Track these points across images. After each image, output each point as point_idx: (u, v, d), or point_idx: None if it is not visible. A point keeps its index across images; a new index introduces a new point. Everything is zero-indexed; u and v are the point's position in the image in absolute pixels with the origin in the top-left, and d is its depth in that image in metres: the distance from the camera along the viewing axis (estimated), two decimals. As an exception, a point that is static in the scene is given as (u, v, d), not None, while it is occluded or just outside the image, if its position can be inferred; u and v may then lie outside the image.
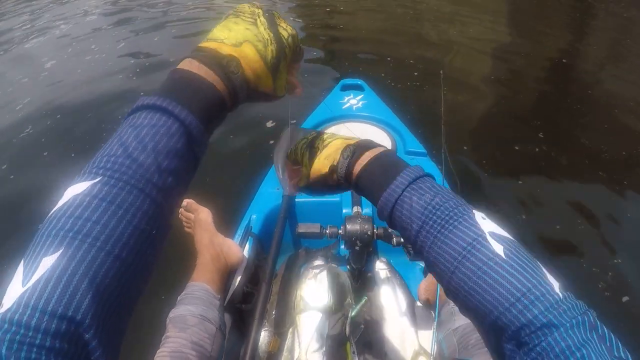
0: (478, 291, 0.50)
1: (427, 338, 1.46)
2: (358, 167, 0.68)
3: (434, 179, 0.64)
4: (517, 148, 3.48)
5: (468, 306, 0.53)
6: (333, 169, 0.71)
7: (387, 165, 0.65)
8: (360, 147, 0.70)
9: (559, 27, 8.29)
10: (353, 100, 2.50)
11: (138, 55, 5.63)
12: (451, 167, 1.12)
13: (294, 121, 2.12)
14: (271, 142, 3.44)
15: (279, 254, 1.59)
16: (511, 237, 0.55)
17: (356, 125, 2.29)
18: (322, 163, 0.73)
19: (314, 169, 0.75)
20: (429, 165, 2.04)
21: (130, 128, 0.51)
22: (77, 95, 4.64)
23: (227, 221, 1.88)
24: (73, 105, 4.46)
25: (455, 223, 0.55)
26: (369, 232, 1.35)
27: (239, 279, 1.58)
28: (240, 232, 1.75)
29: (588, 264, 2.54)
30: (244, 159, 3.31)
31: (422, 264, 1.81)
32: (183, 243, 1.72)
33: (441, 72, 1.69)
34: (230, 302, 1.52)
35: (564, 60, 6.28)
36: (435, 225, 0.56)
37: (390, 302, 1.56)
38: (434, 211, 0.57)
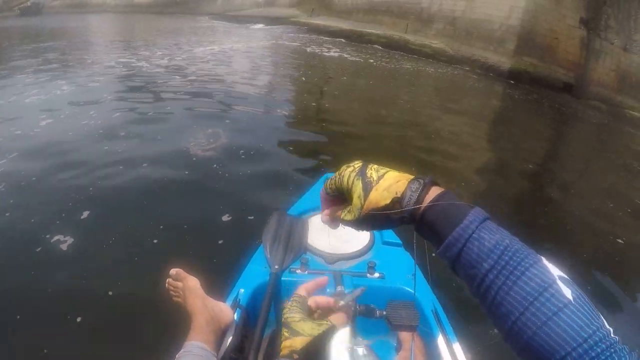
0: (547, 332, 0.53)
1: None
2: (428, 199, 0.66)
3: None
4: None
5: (530, 346, 0.55)
6: (396, 201, 0.67)
7: (455, 204, 0.65)
8: (427, 182, 0.68)
9: (539, 134, 8.99)
10: None
11: (128, 129, 5.88)
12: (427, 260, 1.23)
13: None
14: (251, 217, 3.70)
15: (265, 328, 1.73)
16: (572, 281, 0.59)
17: None
18: (381, 195, 0.69)
19: (370, 201, 0.69)
20: (404, 255, 2.27)
21: None
22: (60, 157, 4.85)
23: (213, 289, 1.95)
24: (52, 164, 4.68)
25: (527, 265, 0.58)
26: (351, 309, 1.44)
27: (228, 341, 1.67)
28: (229, 302, 1.88)
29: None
30: (229, 235, 3.50)
31: (394, 342, 1.97)
32: (174, 313, 1.82)
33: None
34: None
35: (529, 165, 6.88)
36: (508, 266, 0.58)
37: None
38: (505, 252, 0.59)
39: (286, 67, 12.90)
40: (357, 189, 0.71)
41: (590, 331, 0.53)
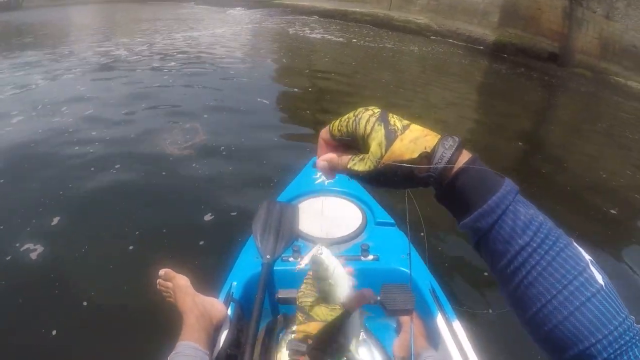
0: (578, 318, 0.51)
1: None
2: (460, 162, 0.58)
3: None
4: None
5: (556, 333, 0.52)
6: (425, 157, 0.58)
7: (489, 170, 0.58)
8: (460, 141, 0.59)
9: (528, 106, 9.03)
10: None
11: (100, 127, 5.69)
12: (424, 237, 1.19)
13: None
14: (234, 214, 3.61)
15: (260, 319, 1.70)
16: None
17: (328, 200, 2.49)
18: (407, 147, 0.58)
19: (393, 151, 0.59)
20: (398, 235, 2.24)
21: None
22: (29, 159, 4.70)
23: (205, 287, 1.92)
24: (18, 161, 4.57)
25: (562, 246, 0.54)
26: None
27: (222, 339, 1.65)
28: (222, 297, 1.84)
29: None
30: (213, 232, 3.44)
31: (394, 324, 1.96)
32: (167, 312, 1.78)
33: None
34: None
35: (518, 139, 6.88)
36: (544, 245, 0.54)
37: (367, 362, 1.66)
38: (540, 228, 0.54)
39: (268, 51, 12.70)
40: (378, 136, 0.60)
41: (621, 319, 0.51)
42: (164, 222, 3.53)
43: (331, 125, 0.67)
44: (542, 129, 8.00)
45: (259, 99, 7.27)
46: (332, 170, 0.68)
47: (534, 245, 0.53)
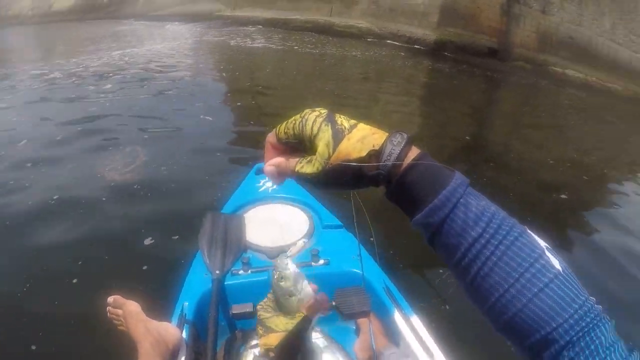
0: (538, 304, 0.51)
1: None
2: (409, 158, 0.57)
3: None
4: None
5: (516, 321, 0.52)
6: (373, 155, 0.57)
7: (438, 165, 0.57)
8: (409, 137, 0.58)
9: (472, 102, 9.21)
10: (268, 183, 2.66)
11: (35, 156, 5.39)
12: (373, 236, 1.17)
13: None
14: (179, 230, 3.50)
15: (216, 338, 1.64)
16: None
17: (274, 207, 2.44)
18: (354, 146, 0.57)
19: (340, 151, 0.57)
20: (347, 237, 2.21)
21: None
22: None
23: (157, 310, 1.86)
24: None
25: (516, 234, 0.54)
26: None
27: None
28: (174, 320, 1.76)
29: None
30: (160, 248, 3.34)
31: (353, 326, 1.94)
32: (120, 342, 1.69)
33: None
34: None
35: (465, 135, 6.99)
36: (497, 235, 0.53)
37: (332, 368, 1.62)
38: (493, 219, 0.54)
39: (208, 65, 12.52)
40: (325, 136, 0.58)
41: (580, 302, 0.51)
42: (107, 250, 3.37)
43: (277, 129, 0.65)
44: (487, 123, 8.22)
45: (200, 116, 7.14)
46: (280, 174, 0.65)
47: (487, 236, 0.53)
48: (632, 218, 4.58)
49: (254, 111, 7.74)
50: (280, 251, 2.07)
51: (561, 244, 3.62)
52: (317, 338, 1.78)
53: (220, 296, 1.86)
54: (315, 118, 0.60)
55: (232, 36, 17.99)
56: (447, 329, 2.15)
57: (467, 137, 6.78)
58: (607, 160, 6.29)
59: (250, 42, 16.52)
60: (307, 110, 0.62)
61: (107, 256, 3.30)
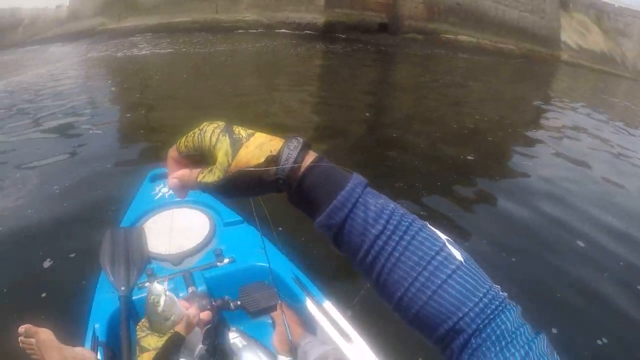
0: (443, 295, 0.52)
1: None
2: (307, 162, 0.58)
3: None
4: None
5: (424, 313, 0.54)
6: (271, 160, 0.58)
7: (335, 167, 0.59)
8: (305, 142, 0.60)
9: (370, 79, 9.30)
10: (164, 189, 2.61)
11: None
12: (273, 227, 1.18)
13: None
14: (78, 251, 3.37)
15: (132, 357, 1.59)
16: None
17: (174, 212, 2.40)
18: (252, 153, 0.59)
19: (239, 159, 0.59)
20: (249, 231, 2.21)
21: None
22: None
23: (70, 335, 1.78)
24: None
25: (416, 229, 0.55)
26: (207, 307, 1.42)
27: None
28: (87, 343, 1.70)
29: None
30: (61, 271, 3.20)
31: (269, 320, 1.95)
32: None
33: None
34: None
35: (367, 114, 7.10)
36: (397, 231, 0.55)
37: (254, 365, 1.64)
38: (392, 216, 0.56)
39: (95, 80, 11.81)
40: (224, 145, 0.60)
41: (485, 290, 0.52)
42: (6, 280, 3.16)
43: (178, 143, 0.65)
44: (388, 99, 8.37)
45: (90, 131, 6.88)
46: (184, 186, 0.66)
47: (388, 232, 0.54)
48: (537, 168, 4.93)
49: (144, 121, 7.49)
50: (184, 257, 2.07)
51: (474, 207, 3.80)
52: (234, 338, 1.75)
53: (130, 312, 1.80)
54: (214, 129, 0.61)
55: (119, 48, 17.29)
56: (361, 311, 2.16)
57: (369, 116, 6.92)
58: (507, 118, 6.67)
59: (137, 51, 15.95)
60: (205, 123, 0.63)
61: (6, 288, 3.10)
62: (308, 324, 1.79)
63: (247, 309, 1.42)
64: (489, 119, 6.47)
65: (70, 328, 1.98)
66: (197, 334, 1.21)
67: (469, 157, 4.93)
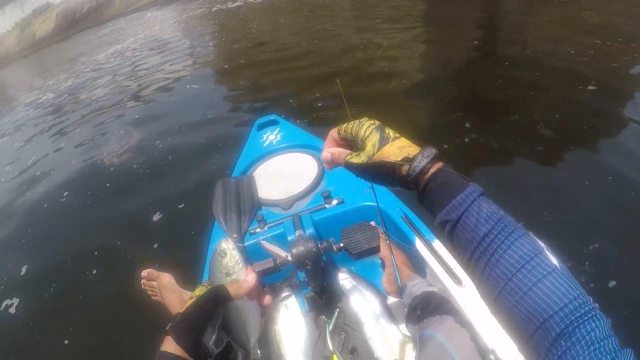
0: (537, 293, 0.59)
1: (405, 325, 1.52)
2: (433, 169, 0.72)
3: None
4: (445, 146, 3.41)
5: (518, 310, 0.60)
6: (407, 161, 0.73)
7: (458, 175, 0.71)
8: (437, 153, 0.73)
9: (470, 16, 8.59)
10: (272, 136, 2.63)
11: (39, 160, 5.68)
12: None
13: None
14: (195, 202, 3.45)
15: None
16: None
17: (282, 158, 2.41)
18: (394, 151, 0.75)
19: (383, 152, 0.75)
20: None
21: None
22: None
23: (190, 280, 1.90)
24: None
25: (520, 234, 0.64)
26: (314, 249, 1.39)
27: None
28: None
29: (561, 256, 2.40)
30: (179, 222, 3.33)
31: (379, 261, 1.91)
32: (157, 312, 1.72)
33: (338, 80, 1.77)
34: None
35: (475, 42, 6.52)
36: (504, 232, 0.64)
37: (362, 305, 1.63)
38: (500, 220, 0.65)
39: (193, 37, 12.26)
40: (374, 139, 0.77)
41: (575, 294, 0.58)
42: (116, 236, 3.42)
43: (339, 127, 0.85)
44: (492, 24, 7.68)
45: (187, 86, 7.12)
46: (333, 160, 0.86)
47: (495, 232, 0.64)
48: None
49: (247, 71, 7.52)
50: (294, 201, 2.05)
51: (594, 139, 3.30)
52: (344, 279, 1.75)
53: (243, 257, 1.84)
54: (369, 125, 0.80)
55: (212, 3, 17.64)
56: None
57: (476, 43, 6.40)
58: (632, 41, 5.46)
59: (231, 3, 16.22)
60: (364, 118, 0.82)
61: (119, 242, 3.34)
62: (417, 265, 1.73)
63: (349, 251, 1.37)
64: (612, 44, 5.29)
65: (183, 275, 2.06)
66: (255, 320, 1.16)
67: (590, 87, 4.15)
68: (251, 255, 1.89)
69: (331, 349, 1.46)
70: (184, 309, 0.95)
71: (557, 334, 0.56)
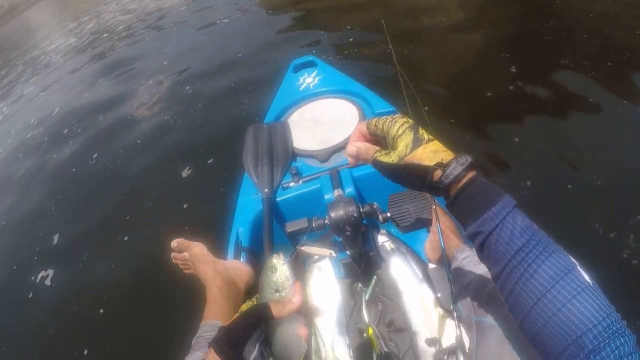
0: (571, 309, 0.57)
1: (447, 299, 1.38)
2: (466, 178, 0.67)
3: None
4: (489, 94, 3.15)
5: (550, 327, 0.59)
6: (440, 167, 0.68)
7: (492, 185, 0.67)
8: (472, 161, 0.68)
9: None
10: (309, 79, 2.42)
11: (73, 123, 5.48)
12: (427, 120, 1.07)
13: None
14: (222, 152, 3.34)
15: None
16: None
17: (319, 103, 2.20)
18: (427, 154, 0.70)
19: (415, 155, 0.70)
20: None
21: None
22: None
23: (215, 241, 1.76)
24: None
25: (553, 249, 0.62)
26: (355, 214, 1.27)
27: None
28: (231, 250, 1.65)
29: (603, 230, 2.07)
30: (209, 177, 3.21)
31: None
32: (189, 285, 1.62)
33: (382, 22, 1.60)
34: None
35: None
36: (538, 247, 0.61)
37: (402, 273, 1.48)
38: (535, 235, 0.62)
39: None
40: (407, 139, 0.72)
41: (608, 312, 0.57)
42: (147, 197, 3.33)
43: (369, 121, 0.80)
44: None
45: (217, 21, 6.82)
46: (359, 155, 0.80)
47: (530, 246, 0.62)
48: None
49: (282, 5, 7.10)
50: (332, 152, 1.88)
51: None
52: (384, 241, 1.61)
53: (274, 215, 1.71)
54: (403, 123, 0.74)
55: None
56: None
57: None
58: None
59: None
60: (397, 115, 0.76)
61: (151, 202, 3.25)
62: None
63: (397, 222, 1.23)
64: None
65: (215, 235, 1.95)
66: (299, 340, 1.08)
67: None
68: (285, 211, 1.78)
69: (367, 322, 1.35)
70: (228, 322, 0.98)
71: (590, 350, 0.55)
